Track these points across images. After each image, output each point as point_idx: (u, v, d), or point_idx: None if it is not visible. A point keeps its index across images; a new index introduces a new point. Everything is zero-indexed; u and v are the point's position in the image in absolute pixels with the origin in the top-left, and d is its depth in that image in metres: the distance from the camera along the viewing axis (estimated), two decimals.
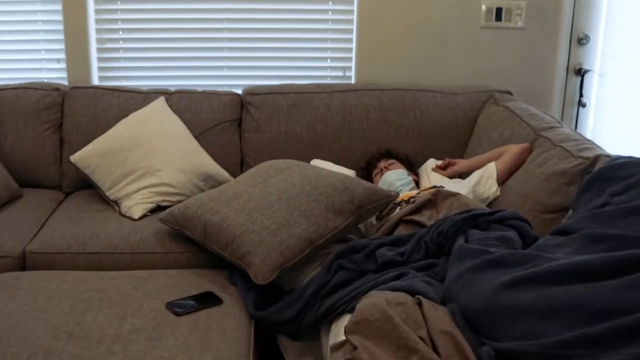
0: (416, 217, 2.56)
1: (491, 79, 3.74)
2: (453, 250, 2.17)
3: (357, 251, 2.39)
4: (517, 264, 1.88)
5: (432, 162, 3.33)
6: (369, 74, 3.70)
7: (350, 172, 3.29)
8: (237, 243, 2.45)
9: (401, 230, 2.58)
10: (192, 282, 2.51)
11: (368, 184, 2.68)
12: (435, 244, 2.28)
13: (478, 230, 2.29)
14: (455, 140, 3.46)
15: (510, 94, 3.61)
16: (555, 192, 2.57)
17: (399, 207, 2.79)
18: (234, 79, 3.74)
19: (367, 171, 3.25)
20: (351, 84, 3.63)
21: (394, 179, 3.05)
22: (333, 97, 3.45)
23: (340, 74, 3.75)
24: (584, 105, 3.82)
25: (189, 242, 2.69)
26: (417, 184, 3.20)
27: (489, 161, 3.02)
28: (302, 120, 3.39)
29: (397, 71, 3.71)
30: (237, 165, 3.44)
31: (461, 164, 3.16)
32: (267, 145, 3.39)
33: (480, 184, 2.93)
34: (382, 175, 3.11)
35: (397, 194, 2.70)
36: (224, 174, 3.26)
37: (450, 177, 3.19)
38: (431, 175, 3.21)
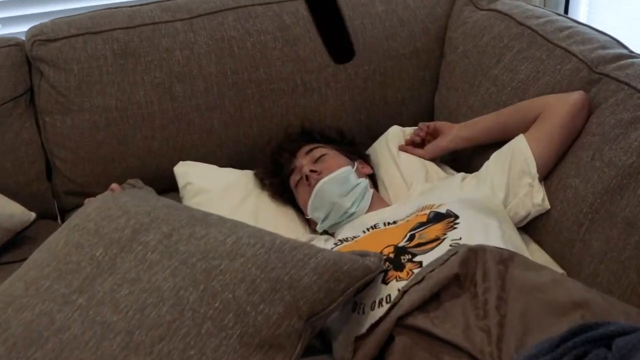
0: (437, 329, 1.17)
1: None
2: None
3: None
4: None
5: (396, 133, 1.89)
6: None
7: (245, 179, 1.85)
8: None
9: (406, 349, 1.19)
10: None
11: (315, 250, 1.24)
12: None
13: None
14: (418, 79, 2.03)
15: None
16: None
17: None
18: (6, 9, 2.06)
19: (277, 177, 1.76)
20: None
21: (336, 194, 1.61)
22: (196, 26, 1.89)
23: None
24: None
25: None
26: (373, 180, 1.78)
27: (507, 127, 1.63)
28: (147, 80, 1.84)
29: None
30: (40, 178, 1.89)
31: (452, 133, 1.74)
32: (88, 135, 1.84)
33: (510, 193, 1.55)
34: (310, 187, 1.64)
35: (380, 263, 1.27)
36: (16, 211, 1.72)
37: (432, 158, 1.79)
38: (400, 160, 1.79)
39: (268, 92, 1.90)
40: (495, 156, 1.60)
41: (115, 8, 1.93)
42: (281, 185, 1.74)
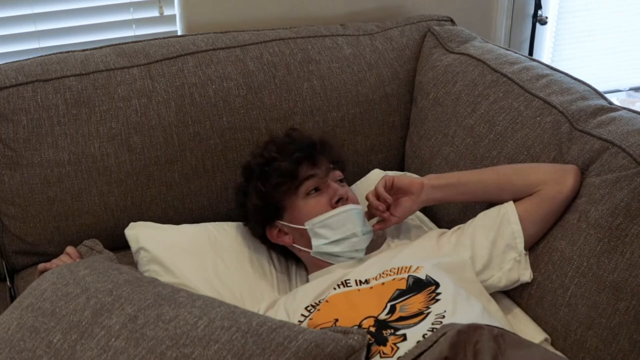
0: None
1: None
2: None
3: None
4: None
5: (378, 178, 1.73)
6: (208, 9, 2.05)
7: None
8: None
9: None
10: None
11: (295, 331, 1.14)
12: None
13: None
14: (388, 126, 1.95)
15: (452, 21, 2.12)
16: None
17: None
18: None
19: (269, 199, 1.57)
20: (179, 38, 1.93)
21: (360, 229, 1.55)
22: (154, 72, 1.79)
23: (154, 14, 2.06)
24: (543, 23, 2.45)
25: None
26: None
27: (491, 195, 1.53)
28: (102, 131, 1.72)
29: None
30: None
31: (424, 194, 1.54)
32: (39, 191, 1.70)
33: (493, 265, 1.47)
34: (329, 205, 1.55)
35: (364, 342, 1.17)
36: None
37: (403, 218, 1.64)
38: None
39: (232, 142, 1.80)
40: (481, 221, 1.51)
41: (67, 52, 1.81)
42: (275, 206, 1.58)
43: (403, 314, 1.29)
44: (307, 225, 1.54)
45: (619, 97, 2.70)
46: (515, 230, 1.44)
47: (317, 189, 1.56)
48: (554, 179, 1.45)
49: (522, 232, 1.44)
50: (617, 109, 1.55)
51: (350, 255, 1.54)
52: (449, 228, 1.61)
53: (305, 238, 1.55)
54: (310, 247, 1.54)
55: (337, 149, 1.68)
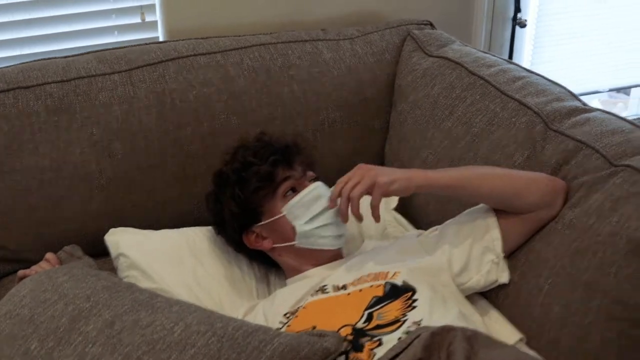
0: None
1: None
2: None
3: None
4: None
5: None
6: (189, 15, 2.06)
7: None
8: None
9: None
10: None
11: (270, 335, 1.16)
12: None
13: None
14: (368, 129, 1.97)
15: (431, 25, 2.14)
16: None
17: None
18: None
19: (246, 205, 1.57)
20: (160, 44, 1.94)
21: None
22: (135, 78, 1.79)
23: (135, 20, 2.07)
24: (523, 25, 2.47)
25: None
26: None
27: (473, 197, 1.51)
28: (83, 137, 1.73)
29: (237, 4, 2.10)
30: None
31: (415, 189, 1.46)
32: (20, 197, 1.71)
33: (469, 268, 1.47)
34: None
35: (339, 344, 1.19)
36: None
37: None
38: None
39: (213, 147, 1.81)
40: (460, 224, 1.51)
41: (48, 59, 1.82)
42: (254, 211, 1.57)
43: (380, 322, 1.30)
44: (285, 211, 1.53)
45: (600, 98, 2.73)
46: (493, 232, 1.45)
47: (293, 190, 1.57)
48: (546, 202, 1.43)
49: (500, 235, 1.45)
50: (591, 110, 1.57)
51: (337, 232, 1.52)
52: (427, 229, 1.62)
53: (285, 235, 1.54)
54: (291, 240, 1.53)
55: (309, 150, 1.67)
